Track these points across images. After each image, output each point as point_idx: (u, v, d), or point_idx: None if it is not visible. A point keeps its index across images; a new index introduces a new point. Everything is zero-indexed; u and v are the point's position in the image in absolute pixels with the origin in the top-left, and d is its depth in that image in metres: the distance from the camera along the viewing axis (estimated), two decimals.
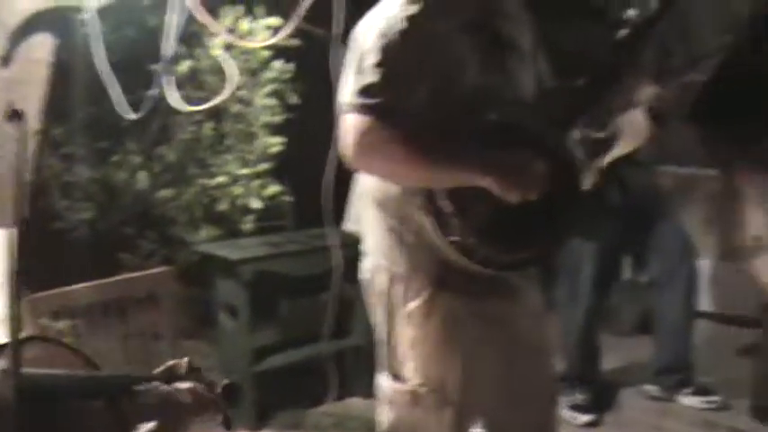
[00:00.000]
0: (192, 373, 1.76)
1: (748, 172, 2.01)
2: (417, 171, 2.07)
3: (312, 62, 3.64)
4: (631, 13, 3.32)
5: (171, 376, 1.74)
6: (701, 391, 3.88)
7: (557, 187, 2.14)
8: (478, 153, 2.07)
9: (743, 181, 2.05)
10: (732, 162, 2.11)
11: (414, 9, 2.10)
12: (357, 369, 4.03)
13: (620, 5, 3.39)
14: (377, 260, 2.27)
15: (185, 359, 1.76)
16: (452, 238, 2.09)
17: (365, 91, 2.05)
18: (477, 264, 2.12)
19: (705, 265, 4.37)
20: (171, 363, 1.76)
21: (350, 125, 2.06)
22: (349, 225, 3.43)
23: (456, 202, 2.08)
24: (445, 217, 2.09)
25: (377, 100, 2.03)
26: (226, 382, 1.79)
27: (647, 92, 3.44)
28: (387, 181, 2.17)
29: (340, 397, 4.02)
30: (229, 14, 4.17)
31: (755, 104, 2.11)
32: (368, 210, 2.29)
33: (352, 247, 2.66)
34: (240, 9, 4.21)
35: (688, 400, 3.89)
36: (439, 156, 2.06)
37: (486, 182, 2.06)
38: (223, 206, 4.44)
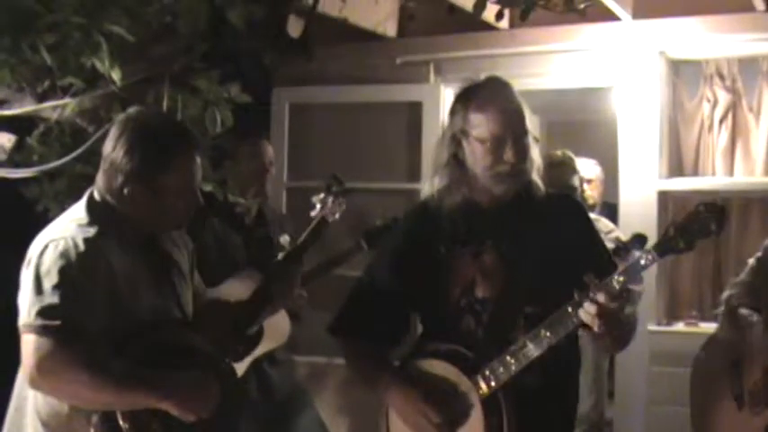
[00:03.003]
0: None
1: (392, 389, 2.35)
2: (100, 395, 2.10)
3: None
4: (285, 238, 3.65)
5: None
6: None
7: (223, 400, 2.28)
8: (157, 377, 2.17)
9: (388, 397, 2.37)
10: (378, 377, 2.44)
11: (91, 232, 2.20)
12: None
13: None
14: None
15: None
16: None
17: (45, 313, 2.07)
18: None
19: None
20: None
21: (30, 348, 2.07)
22: None
23: (133, 421, 2.13)
24: None
25: (57, 322, 2.06)
26: None
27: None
28: (66, 402, 2.16)
29: None
30: None
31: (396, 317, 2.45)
32: (29, 425, 2.25)
33: None
34: None
35: None
36: (120, 380, 2.12)
37: (165, 405, 2.15)
38: None
